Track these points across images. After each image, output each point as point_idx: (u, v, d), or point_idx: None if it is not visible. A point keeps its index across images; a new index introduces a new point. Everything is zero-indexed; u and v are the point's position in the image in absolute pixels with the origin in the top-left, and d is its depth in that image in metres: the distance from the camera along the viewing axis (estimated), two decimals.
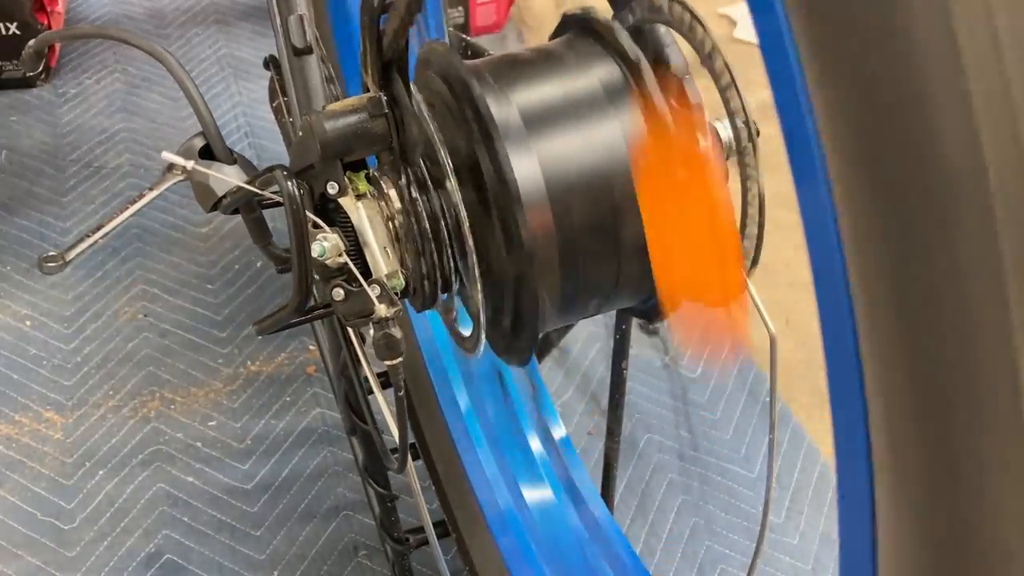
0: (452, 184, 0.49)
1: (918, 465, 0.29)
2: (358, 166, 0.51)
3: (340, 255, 0.48)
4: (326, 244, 0.49)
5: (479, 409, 0.89)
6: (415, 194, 0.51)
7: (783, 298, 1.14)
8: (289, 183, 0.47)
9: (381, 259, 0.48)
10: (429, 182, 0.51)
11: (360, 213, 0.50)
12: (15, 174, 1.31)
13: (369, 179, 0.52)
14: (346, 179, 0.50)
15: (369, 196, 0.51)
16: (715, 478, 1.03)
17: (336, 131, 0.49)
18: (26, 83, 1.42)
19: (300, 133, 0.50)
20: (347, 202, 0.50)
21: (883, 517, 0.31)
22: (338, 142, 0.49)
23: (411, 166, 0.50)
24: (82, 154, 1.34)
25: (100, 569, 0.93)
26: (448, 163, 0.49)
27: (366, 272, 0.49)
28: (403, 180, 0.51)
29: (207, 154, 0.53)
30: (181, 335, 1.13)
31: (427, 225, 0.51)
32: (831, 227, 0.28)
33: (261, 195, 0.49)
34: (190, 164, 0.51)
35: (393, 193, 0.51)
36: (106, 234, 1.22)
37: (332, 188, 0.50)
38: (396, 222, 0.51)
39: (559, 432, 0.90)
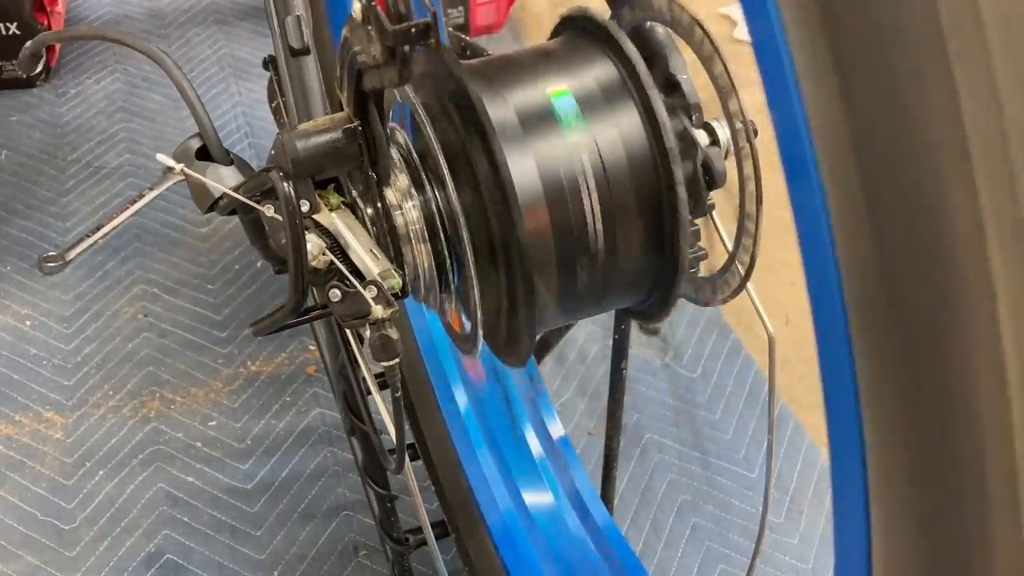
0: (449, 184, 0.49)
1: (911, 463, 0.29)
2: (327, 183, 0.51)
3: (324, 254, 0.48)
4: (307, 246, 0.49)
5: (478, 410, 0.89)
6: (397, 200, 0.51)
7: (783, 298, 1.14)
8: (285, 184, 0.47)
9: (369, 261, 0.48)
10: (425, 182, 0.51)
11: (337, 224, 0.50)
12: (15, 174, 1.31)
13: (339, 190, 0.52)
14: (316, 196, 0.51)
15: (343, 207, 0.51)
16: (715, 478, 1.03)
17: (308, 150, 0.49)
18: (26, 83, 1.43)
19: (272, 152, 0.50)
20: (322, 217, 0.50)
21: (877, 516, 0.31)
22: (310, 162, 0.49)
23: (383, 182, 0.51)
24: (82, 154, 1.34)
25: (100, 569, 0.93)
26: (444, 163, 0.49)
27: (360, 272, 0.49)
28: (375, 190, 0.51)
29: (204, 155, 0.53)
30: (181, 335, 1.13)
31: (420, 226, 0.51)
32: (824, 228, 0.28)
33: (246, 202, 0.49)
34: (179, 167, 0.51)
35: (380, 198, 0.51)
36: (106, 234, 1.22)
37: (304, 206, 0.50)
38: (379, 225, 0.51)
39: (558, 432, 0.90)
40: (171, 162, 0.50)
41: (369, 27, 0.44)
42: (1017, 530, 0.28)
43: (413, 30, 0.42)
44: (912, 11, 0.25)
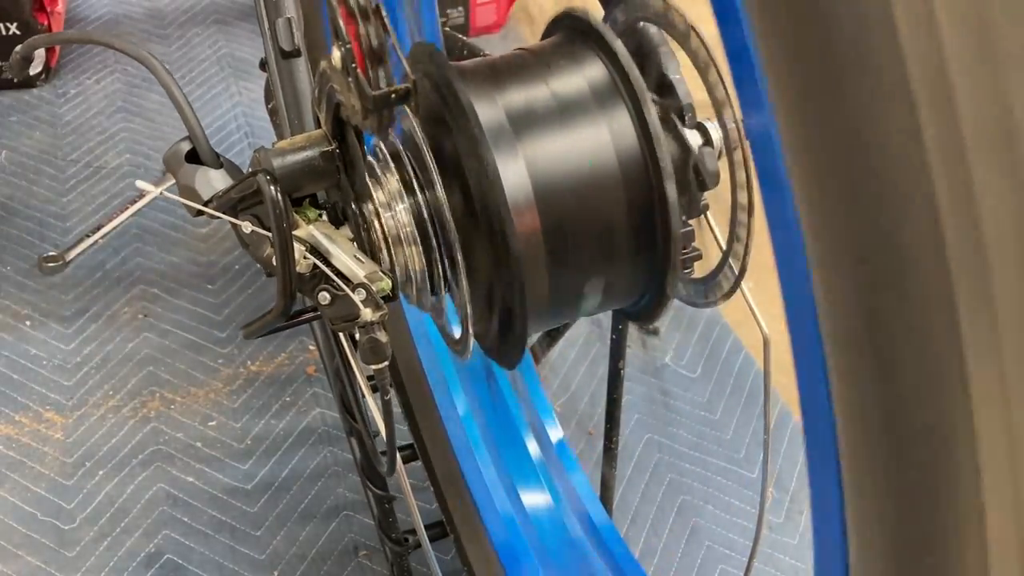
0: (439, 187, 0.49)
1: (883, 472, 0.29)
2: (303, 200, 0.51)
3: (305, 258, 0.48)
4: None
5: (476, 411, 0.89)
6: (387, 202, 0.51)
7: (778, 298, 1.13)
8: (271, 188, 0.47)
9: (354, 266, 0.48)
10: (415, 185, 0.51)
11: (318, 237, 0.50)
12: (15, 174, 1.31)
13: (315, 203, 0.52)
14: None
15: (321, 219, 0.51)
16: (715, 478, 1.03)
17: (284, 168, 0.49)
18: (26, 83, 1.42)
19: (250, 168, 0.50)
20: (300, 233, 0.49)
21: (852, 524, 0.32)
22: (287, 179, 0.49)
23: (360, 199, 0.50)
24: (82, 154, 1.35)
25: (100, 569, 0.93)
26: (434, 166, 0.49)
27: (348, 276, 0.49)
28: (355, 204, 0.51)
29: (194, 158, 0.53)
30: (181, 335, 1.14)
31: (411, 229, 0.51)
32: (797, 236, 0.28)
33: (224, 217, 0.49)
34: (160, 190, 0.51)
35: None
36: (106, 234, 1.23)
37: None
38: (359, 235, 0.51)
39: (557, 434, 0.90)
40: (149, 187, 0.50)
41: (348, 78, 0.44)
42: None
43: (393, 95, 0.42)
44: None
